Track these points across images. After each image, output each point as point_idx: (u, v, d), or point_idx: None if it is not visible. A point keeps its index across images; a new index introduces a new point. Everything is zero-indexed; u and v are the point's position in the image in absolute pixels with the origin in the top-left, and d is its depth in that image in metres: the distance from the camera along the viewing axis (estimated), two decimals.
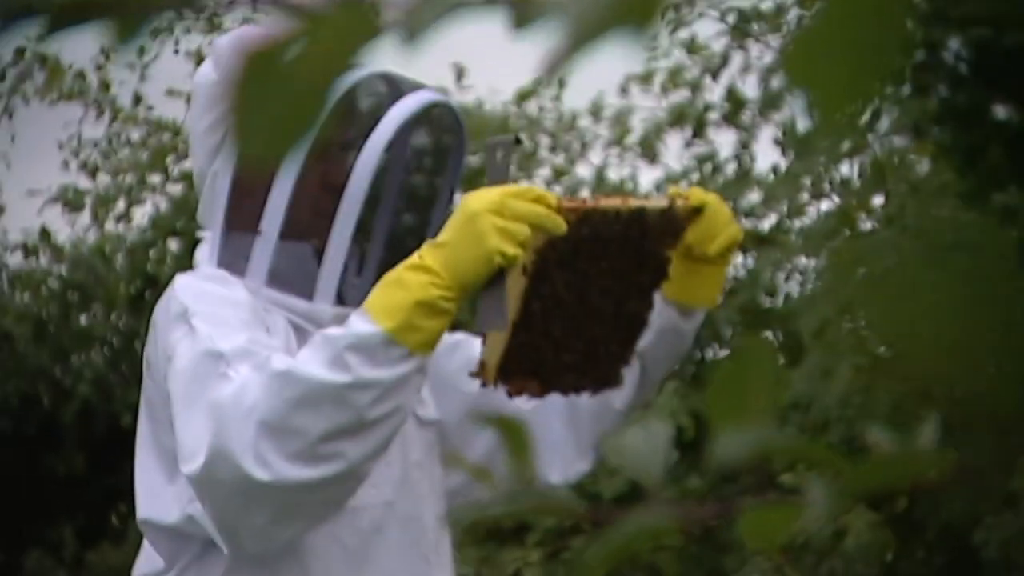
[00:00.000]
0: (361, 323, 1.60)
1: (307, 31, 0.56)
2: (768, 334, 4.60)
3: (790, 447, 0.69)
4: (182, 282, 1.80)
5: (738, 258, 4.80)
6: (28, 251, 5.48)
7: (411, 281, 1.61)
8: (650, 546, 3.70)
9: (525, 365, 1.72)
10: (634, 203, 1.75)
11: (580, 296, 1.72)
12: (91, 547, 4.80)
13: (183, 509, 1.75)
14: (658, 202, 1.77)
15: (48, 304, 5.21)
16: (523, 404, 1.95)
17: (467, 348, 1.93)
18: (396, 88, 1.84)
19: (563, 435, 1.98)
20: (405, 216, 2.02)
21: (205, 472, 1.61)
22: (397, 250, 1.99)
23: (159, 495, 1.79)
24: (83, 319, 5.25)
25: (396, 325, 1.59)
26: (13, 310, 5.20)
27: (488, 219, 1.61)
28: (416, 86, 1.85)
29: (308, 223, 1.81)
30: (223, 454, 1.60)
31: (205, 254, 1.86)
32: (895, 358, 0.62)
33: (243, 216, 1.83)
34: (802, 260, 4.35)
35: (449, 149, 1.96)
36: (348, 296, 1.86)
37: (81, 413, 4.99)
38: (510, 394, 1.76)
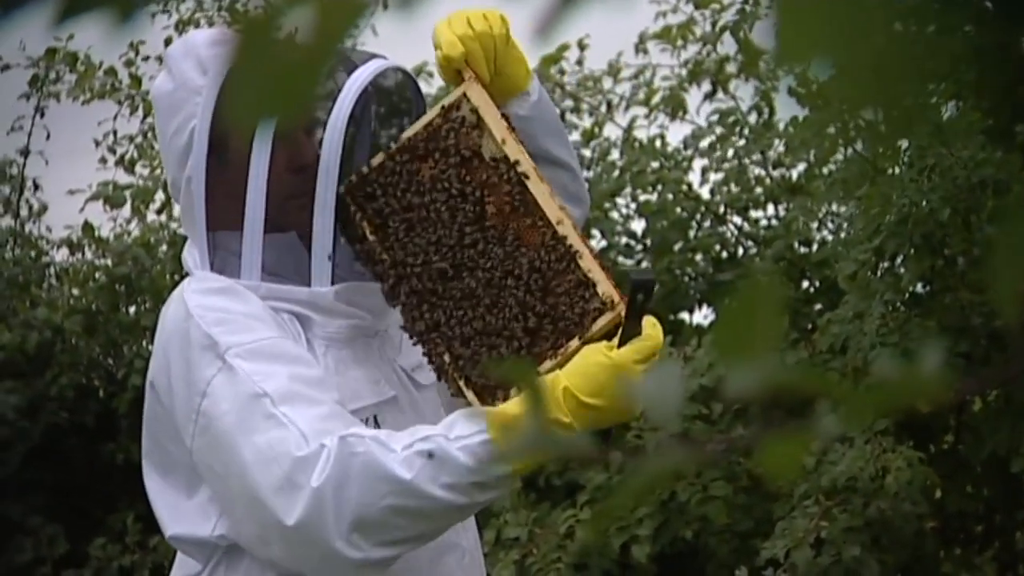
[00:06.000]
0: (498, 467, 1.64)
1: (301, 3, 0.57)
2: (804, 282, 4.64)
3: (798, 378, 0.73)
4: (195, 301, 1.78)
5: (770, 209, 4.84)
6: (73, 247, 5.56)
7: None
8: (699, 497, 3.72)
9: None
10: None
11: (459, 265, 1.82)
12: (155, 532, 4.88)
13: (213, 526, 1.79)
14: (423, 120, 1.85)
15: (97, 297, 5.28)
16: None
17: None
18: (349, 61, 1.84)
19: None
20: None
21: (293, 533, 1.66)
22: None
23: (182, 511, 1.82)
24: (131, 310, 5.32)
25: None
26: (63, 305, 5.28)
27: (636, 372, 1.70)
28: (369, 56, 1.86)
29: (281, 208, 1.81)
30: (313, 537, 1.65)
31: (196, 258, 1.86)
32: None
33: (224, 214, 1.83)
34: (833, 207, 4.38)
35: (409, 113, 1.96)
36: (343, 274, 1.85)
37: (135, 402, 5.06)
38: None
